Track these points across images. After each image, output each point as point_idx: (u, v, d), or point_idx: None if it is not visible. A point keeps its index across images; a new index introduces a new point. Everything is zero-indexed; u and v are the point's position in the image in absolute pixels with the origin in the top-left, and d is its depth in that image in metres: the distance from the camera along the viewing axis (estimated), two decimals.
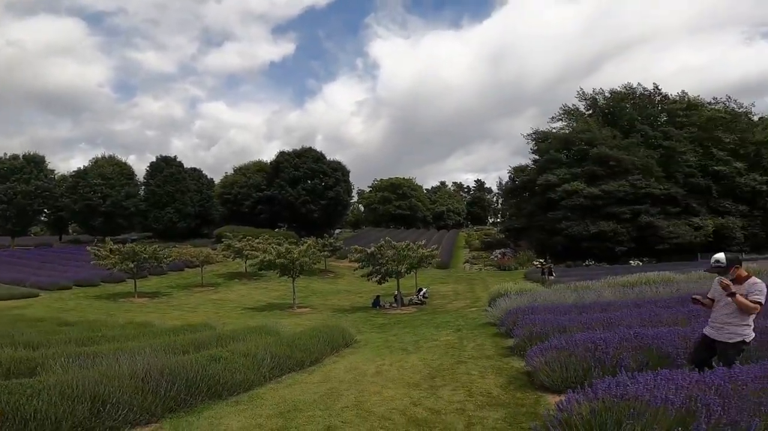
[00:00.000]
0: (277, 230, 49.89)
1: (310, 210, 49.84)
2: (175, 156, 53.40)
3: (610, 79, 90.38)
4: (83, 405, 3.85)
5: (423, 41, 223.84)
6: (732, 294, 3.85)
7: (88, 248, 25.69)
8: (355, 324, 14.15)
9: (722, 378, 3.03)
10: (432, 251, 19.21)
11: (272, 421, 4.32)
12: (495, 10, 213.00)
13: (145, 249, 23.18)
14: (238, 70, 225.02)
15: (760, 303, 3.83)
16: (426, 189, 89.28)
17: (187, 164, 59.46)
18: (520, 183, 49.53)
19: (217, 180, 62.04)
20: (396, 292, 19.19)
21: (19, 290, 22.14)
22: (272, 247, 19.45)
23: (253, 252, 21.96)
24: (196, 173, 60.72)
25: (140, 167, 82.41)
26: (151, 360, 4.63)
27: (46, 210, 50.03)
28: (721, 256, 4.12)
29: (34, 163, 47.20)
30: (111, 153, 52.50)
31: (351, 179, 55.14)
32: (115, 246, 23.08)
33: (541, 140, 48.43)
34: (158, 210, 49.27)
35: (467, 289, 25.92)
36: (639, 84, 48.00)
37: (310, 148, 52.81)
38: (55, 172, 51.55)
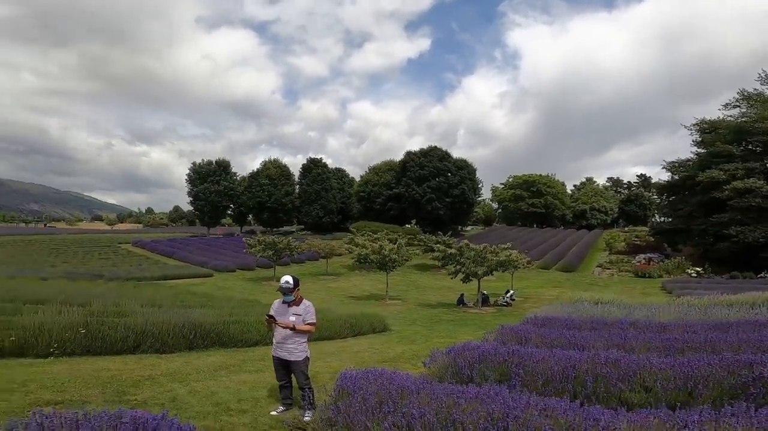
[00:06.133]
0: (407, 226, 53.25)
1: (435, 208, 51.77)
2: (321, 158, 61.76)
3: None
4: (133, 334, 6.74)
5: (569, 26, 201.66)
6: (293, 328, 4.15)
7: (243, 238, 32.70)
8: (418, 319, 15.57)
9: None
10: (514, 254, 19.06)
11: (235, 360, 6.48)
12: None
13: (281, 241, 28.49)
14: (379, 69, 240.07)
15: (314, 324, 4.21)
16: (574, 185, 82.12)
17: (340, 162, 67.31)
18: (678, 180, 42.28)
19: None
20: (478, 292, 19.73)
21: (202, 270, 29.80)
22: (369, 243, 22.03)
23: (355, 249, 24.94)
24: (339, 172, 68.88)
25: None
26: (185, 318, 7.34)
27: (231, 206, 63.76)
28: (289, 278, 4.24)
29: (223, 167, 60.67)
30: (279, 156, 64.31)
31: (492, 174, 55.07)
32: (262, 237, 29.00)
33: (708, 131, 40.32)
34: (308, 206, 57.95)
35: (575, 295, 24.32)
36: None
37: (435, 147, 54.58)
38: (237, 174, 65.11)
